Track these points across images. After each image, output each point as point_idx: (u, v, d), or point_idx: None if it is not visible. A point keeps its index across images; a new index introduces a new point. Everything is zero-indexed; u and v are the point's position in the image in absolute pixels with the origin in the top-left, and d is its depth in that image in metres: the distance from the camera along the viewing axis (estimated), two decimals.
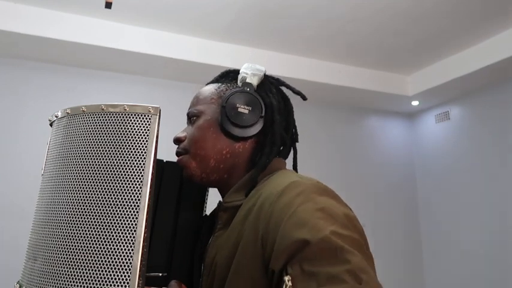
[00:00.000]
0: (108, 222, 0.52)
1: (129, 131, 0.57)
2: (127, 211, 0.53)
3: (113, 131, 0.57)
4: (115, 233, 0.52)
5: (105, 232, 0.52)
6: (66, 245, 0.53)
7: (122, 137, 0.56)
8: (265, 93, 0.75)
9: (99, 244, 0.51)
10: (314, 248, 0.50)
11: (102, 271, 0.50)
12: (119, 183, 0.54)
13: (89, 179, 0.55)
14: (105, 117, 0.58)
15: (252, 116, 0.72)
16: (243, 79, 0.75)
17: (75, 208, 0.54)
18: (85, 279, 0.50)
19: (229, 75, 0.80)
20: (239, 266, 0.61)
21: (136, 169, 0.55)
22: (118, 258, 0.51)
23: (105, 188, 0.54)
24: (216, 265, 0.67)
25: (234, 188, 0.73)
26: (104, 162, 0.55)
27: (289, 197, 0.59)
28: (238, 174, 0.74)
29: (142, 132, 0.57)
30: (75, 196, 0.55)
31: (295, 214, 0.55)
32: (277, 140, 0.73)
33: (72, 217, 0.54)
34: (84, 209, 0.54)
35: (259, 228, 0.60)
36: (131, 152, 0.56)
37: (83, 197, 0.54)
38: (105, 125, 0.57)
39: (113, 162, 0.55)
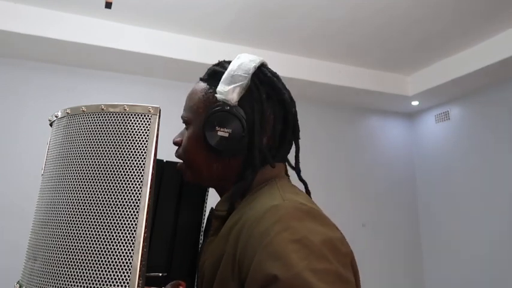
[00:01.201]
0: (108, 222, 0.52)
1: (129, 131, 0.57)
2: (127, 211, 0.53)
3: (113, 131, 0.57)
4: (115, 233, 0.52)
5: (105, 232, 0.52)
6: (66, 245, 0.53)
7: (122, 137, 0.56)
8: (250, 107, 0.70)
9: (99, 244, 0.51)
10: (284, 285, 0.50)
11: (102, 271, 0.50)
12: (118, 183, 0.54)
13: (89, 179, 0.55)
14: (105, 117, 0.58)
15: (233, 139, 0.68)
16: (221, 97, 0.69)
17: (75, 208, 0.54)
18: (85, 279, 0.50)
19: (217, 76, 0.73)
20: (221, 278, 0.62)
21: (136, 169, 0.55)
22: (118, 258, 0.51)
23: (105, 188, 0.54)
24: (205, 271, 0.68)
25: (223, 198, 0.73)
26: (104, 162, 0.55)
27: (268, 223, 0.57)
28: (232, 182, 0.74)
29: (142, 132, 0.57)
30: (75, 196, 0.55)
31: (270, 245, 0.55)
32: (258, 163, 0.70)
33: (72, 217, 0.54)
34: (84, 209, 0.54)
35: (237, 249, 0.60)
36: (131, 152, 0.56)
37: (83, 197, 0.54)
38: (105, 125, 0.57)
39: (113, 162, 0.55)
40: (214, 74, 0.75)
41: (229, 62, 0.75)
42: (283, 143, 0.76)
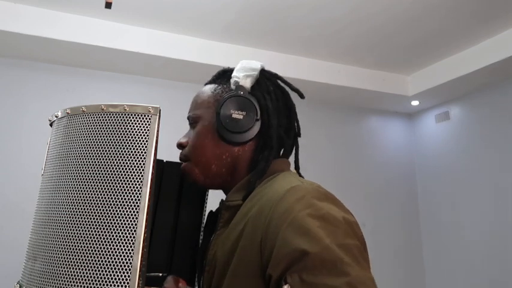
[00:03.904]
0: (108, 223, 0.52)
1: (129, 131, 0.57)
2: (127, 211, 0.53)
3: (113, 131, 0.57)
4: (115, 233, 0.52)
5: (105, 232, 0.52)
6: (66, 245, 0.53)
7: (122, 137, 0.56)
8: (261, 94, 0.74)
9: (99, 244, 0.51)
10: (314, 259, 0.51)
11: (102, 271, 0.50)
12: (119, 183, 0.54)
13: (89, 179, 0.55)
14: (105, 117, 0.58)
15: (247, 121, 0.71)
16: (236, 83, 0.74)
17: (75, 208, 0.54)
18: (85, 279, 0.50)
19: (226, 75, 0.79)
20: (237, 265, 0.61)
21: (136, 169, 0.55)
22: (118, 258, 0.51)
23: (105, 188, 0.54)
24: (216, 262, 0.68)
25: (235, 187, 0.73)
26: (104, 162, 0.55)
27: (290, 202, 0.58)
28: (241, 175, 0.74)
29: (142, 132, 0.57)
30: (75, 196, 0.55)
31: (295, 221, 0.55)
32: (275, 143, 0.73)
33: (72, 217, 0.54)
34: (84, 209, 0.54)
35: (258, 232, 0.60)
36: (131, 152, 0.56)
37: (83, 197, 0.54)
38: (105, 125, 0.57)
39: (113, 163, 0.55)
40: (222, 73, 0.80)
41: (234, 68, 0.79)
42: (287, 139, 0.78)
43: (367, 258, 0.55)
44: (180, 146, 0.77)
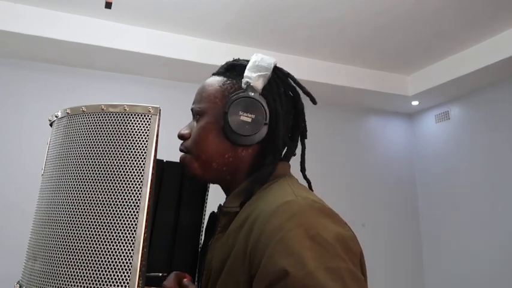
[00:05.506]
0: (108, 222, 0.52)
1: (129, 131, 0.57)
2: (127, 211, 0.53)
3: (113, 131, 0.57)
4: (115, 233, 0.52)
5: (105, 232, 0.52)
6: (66, 245, 0.53)
7: (122, 137, 0.56)
8: (272, 97, 0.71)
9: (99, 244, 0.51)
10: (296, 282, 0.50)
11: (102, 271, 0.50)
12: (119, 183, 0.54)
13: (89, 179, 0.55)
14: (105, 117, 0.58)
15: (255, 125, 0.69)
16: (247, 83, 0.71)
17: (75, 208, 0.54)
18: (85, 279, 0.50)
19: (236, 69, 0.75)
20: (229, 272, 0.62)
21: (136, 169, 0.55)
22: (118, 258, 0.51)
23: (105, 188, 0.54)
24: (212, 267, 0.68)
25: (233, 193, 0.72)
26: (104, 162, 0.55)
27: (281, 219, 0.57)
28: (241, 177, 0.73)
29: (142, 132, 0.57)
30: (75, 196, 0.55)
31: (284, 240, 0.54)
32: (280, 149, 0.71)
33: (72, 217, 0.54)
34: (84, 209, 0.54)
35: (249, 243, 0.59)
36: (131, 152, 0.56)
37: (83, 197, 0.54)
38: (105, 125, 0.57)
39: (113, 162, 0.55)
40: (232, 67, 0.77)
41: (244, 60, 0.76)
42: (292, 140, 0.77)
43: (359, 280, 0.54)
44: (181, 137, 0.75)
